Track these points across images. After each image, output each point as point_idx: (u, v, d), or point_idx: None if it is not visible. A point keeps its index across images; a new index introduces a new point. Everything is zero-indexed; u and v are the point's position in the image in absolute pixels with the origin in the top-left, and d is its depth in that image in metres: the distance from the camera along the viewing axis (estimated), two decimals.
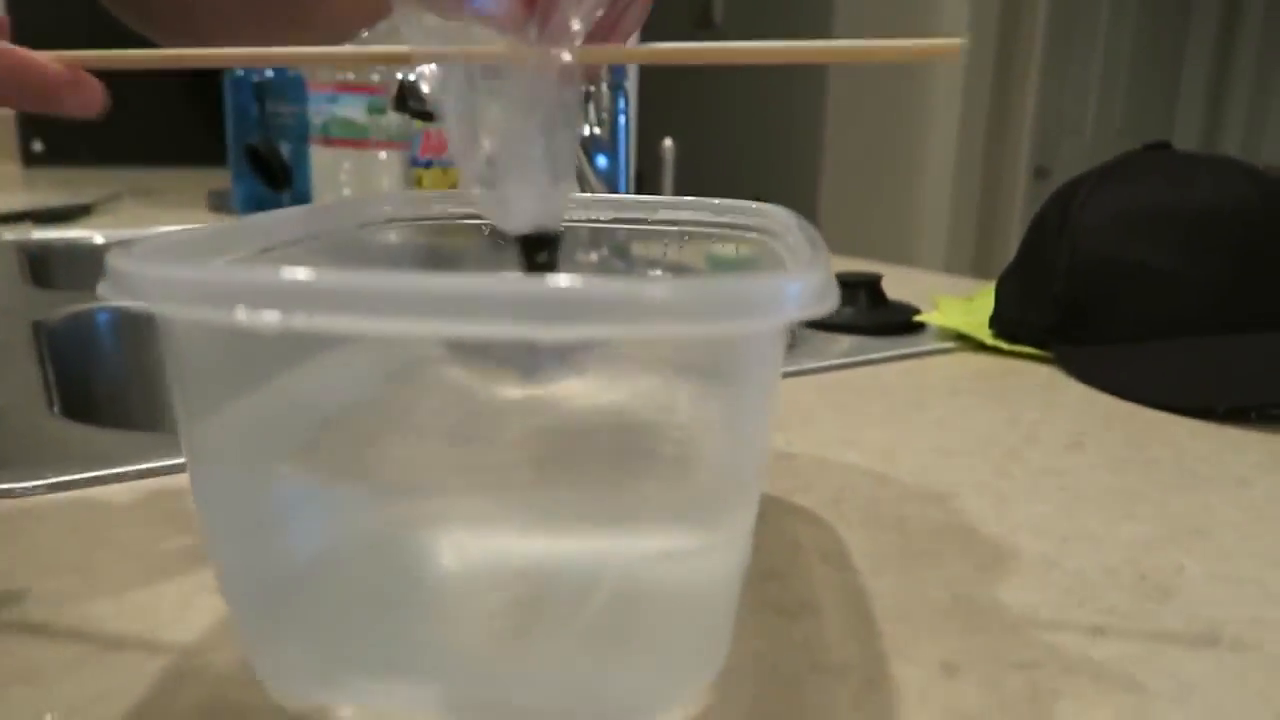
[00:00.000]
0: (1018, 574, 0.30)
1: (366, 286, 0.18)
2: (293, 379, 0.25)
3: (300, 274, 0.18)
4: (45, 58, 0.26)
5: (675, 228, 0.37)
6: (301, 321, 0.18)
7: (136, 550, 0.30)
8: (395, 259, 0.35)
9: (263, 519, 0.24)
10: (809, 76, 2.68)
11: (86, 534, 0.31)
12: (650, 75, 1.21)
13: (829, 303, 0.20)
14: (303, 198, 1.17)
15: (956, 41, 0.22)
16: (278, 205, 1.15)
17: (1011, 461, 0.40)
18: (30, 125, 2.11)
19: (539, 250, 0.27)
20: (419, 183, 1.20)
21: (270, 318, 0.18)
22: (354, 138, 1.25)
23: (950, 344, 0.59)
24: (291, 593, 0.24)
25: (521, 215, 0.27)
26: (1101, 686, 0.24)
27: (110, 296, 0.19)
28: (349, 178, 1.26)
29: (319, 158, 1.22)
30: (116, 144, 2.12)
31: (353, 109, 1.22)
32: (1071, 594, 0.29)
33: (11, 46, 0.26)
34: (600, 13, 0.27)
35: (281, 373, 0.24)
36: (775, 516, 0.33)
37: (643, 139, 1.13)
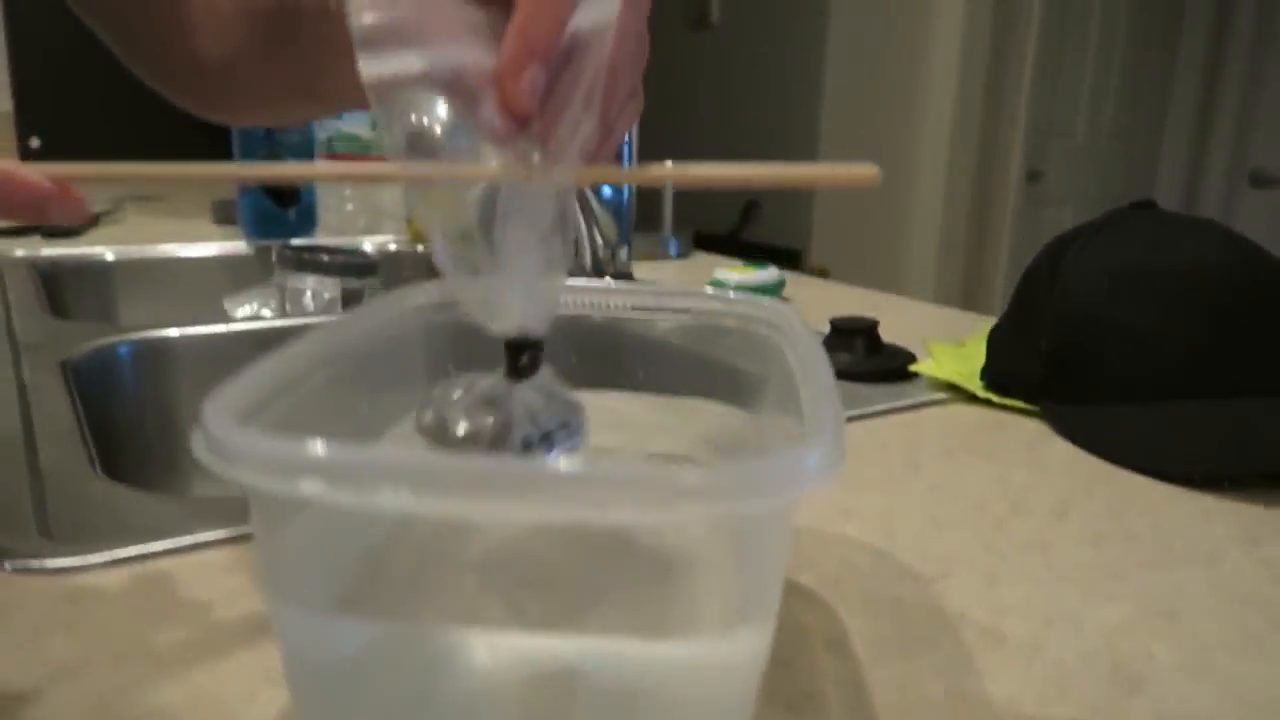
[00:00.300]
0: (1004, 663, 0.33)
1: (434, 469, 0.20)
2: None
3: (378, 455, 0.20)
4: (34, 173, 0.28)
5: (689, 316, 0.40)
6: (357, 498, 0.21)
7: (198, 631, 0.32)
8: (435, 357, 0.38)
9: (319, 625, 0.26)
10: (804, 81, 2.70)
11: (148, 614, 0.33)
12: (647, 94, 1.23)
13: (839, 465, 0.22)
14: (308, 212, 1.19)
15: (873, 170, 0.25)
16: (283, 221, 1.17)
17: (1000, 534, 0.43)
18: (28, 122, 2.12)
19: (522, 353, 0.29)
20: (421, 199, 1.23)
21: (350, 497, 0.20)
22: (359, 153, 1.27)
23: (943, 395, 0.62)
24: (340, 692, 0.26)
25: (507, 319, 0.30)
26: None
27: (206, 461, 0.22)
28: (354, 193, 1.28)
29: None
30: (114, 142, 2.12)
31: (358, 124, 1.24)
32: (1051, 684, 0.31)
33: (4, 164, 0.28)
34: (594, 124, 0.28)
35: None
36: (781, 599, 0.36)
37: (643, 155, 1.15)
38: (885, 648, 0.33)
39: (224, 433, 0.22)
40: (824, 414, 0.24)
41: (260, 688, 0.29)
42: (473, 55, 0.27)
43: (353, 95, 0.48)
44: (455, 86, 0.28)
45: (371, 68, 0.28)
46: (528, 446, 0.29)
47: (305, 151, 1.15)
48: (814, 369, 0.29)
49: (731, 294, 0.39)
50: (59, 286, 1.01)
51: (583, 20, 0.27)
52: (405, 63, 0.27)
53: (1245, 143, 3.36)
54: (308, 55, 0.44)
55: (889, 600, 0.37)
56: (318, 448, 0.20)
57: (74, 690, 0.29)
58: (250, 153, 1.11)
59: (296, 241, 1.16)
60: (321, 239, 1.20)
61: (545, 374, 0.30)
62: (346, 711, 0.26)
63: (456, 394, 0.30)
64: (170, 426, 0.72)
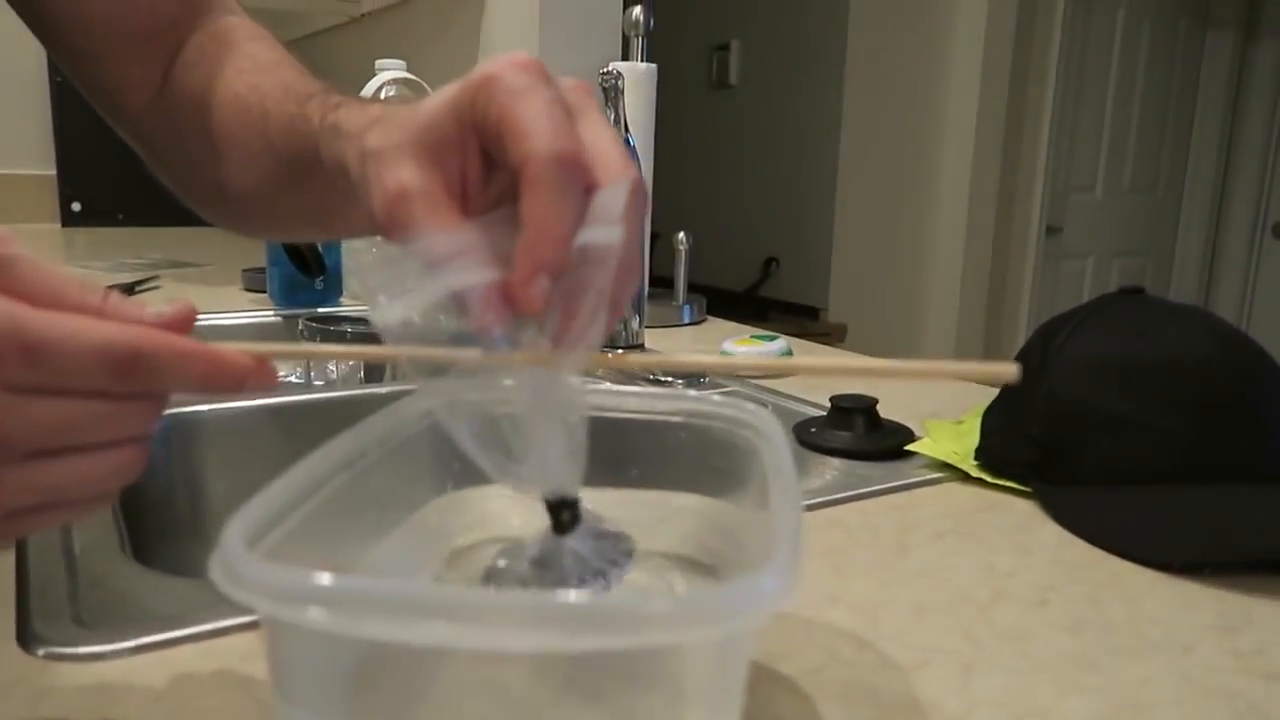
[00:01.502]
0: None
1: (412, 598, 0.23)
2: None
3: (367, 586, 0.23)
4: (234, 352, 0.31)
5: (679, 418, 0.43)
6: (349, 626, 0.23)
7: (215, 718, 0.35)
8: (442, 457, 0.40)
9: None
10: (821, 138, 2.75)
11: (170, 703, 0.36)
12: (671, 151, 1.27)
13: (795, 591, 0.25)
14: (333, 281, 1.24)
15: (1013, 367, 0.27)
16: (310, 289, 1.22)
17: (981, 622, 0.44)
18: (70, 187, 2.20)
19: (562, 510, 0.32)
20: None
21: (334, 623, 0.23)
22: None
23: (938, 474, 0.64)
24: None
25: (543, 486, 0.32)
26: None
27: (220, 585, 0.25)
28: None
29: (350, 241, 1.29)
30: (150, 206, 2.20)
31: None
32: None
33: (206, 346, 0.30)
34: (604, 320, 0.31)
35: None
36: (761, 687, 0.38)
37: (666, 209, 1.19)
38: None
39: (237, 560, 0.24)
40: (783, 540, 0.27)
41: None
42: (474, 276, 0.30)
43: (362, 231, 0.52)
44: (460, 305, 0.31)
45: (384, 316, 0.31)
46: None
47: None
48: (783, 481, 0.32)
49: (716, 396, 0.41)
50: None
51: (591, 237, 0.30)
52: (412, 304, 0.30)
53: (1267, 195, 3.37)
54: (322, 198, 0.47)
55: (867, 690, 0.38)
56: (317, 579, 0.23)
57: None
58: None
59: (321, 310, 1.20)
60: (346, 306, 1.24)
61: (589, 515, 0.33)
62: None
63: (503, 563, 0.32)
64: (199, 503, 0.75)
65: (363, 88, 1.26)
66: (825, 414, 0.72)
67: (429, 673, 0.29)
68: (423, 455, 0.40)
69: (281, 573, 0.24)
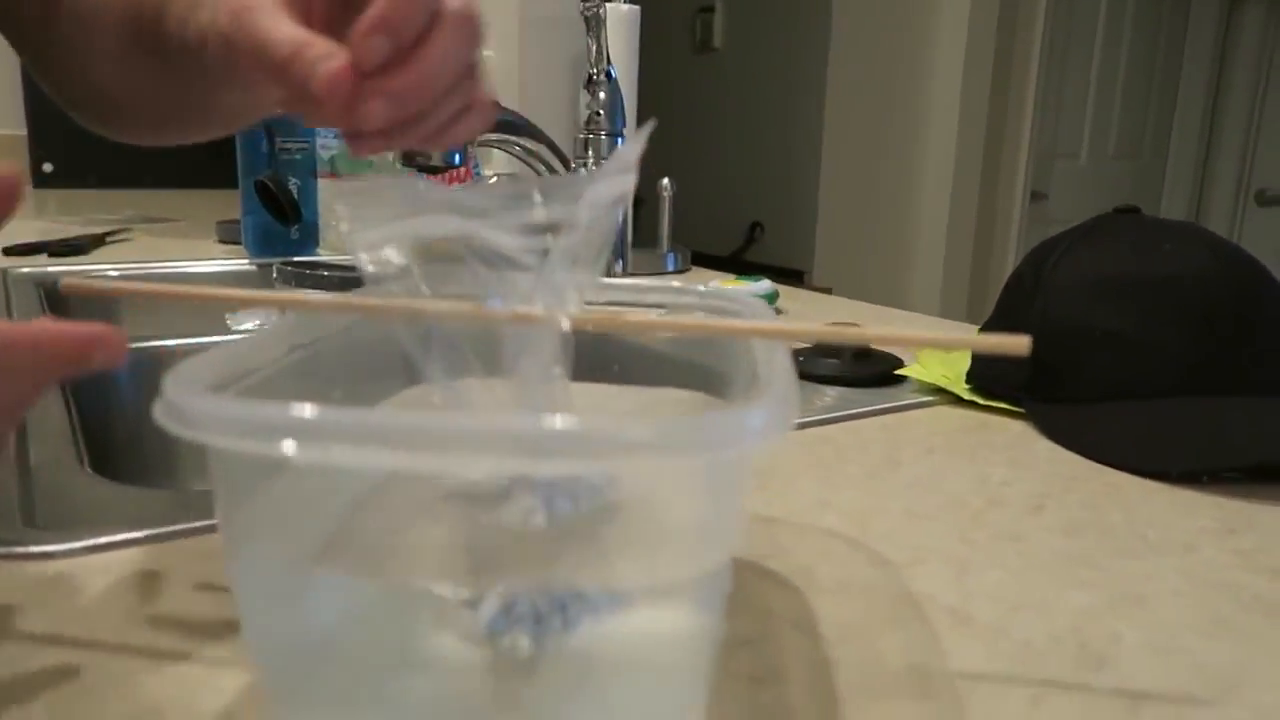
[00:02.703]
0: (970, 643, 0.33)
1: (385, 425, 0.21)
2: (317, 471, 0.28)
3: (331, 413, 0.21)
4: (68, 325, 0.26)
5: (664, 310, 0.41)
6: (323, 455, 0.21)
7: (170, 617, 0.33)
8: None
9: (287, 597, 0.27)
10: (806, 103, 2.72)
11: (123, 600, 0.34)
12: (655, 113, 1.24)
13: (787, 427, 0.23)
14: (309, 230, 1.21)
15: (1024, 341, 0.25)
16: (286, 238, 1.19)
17: (975, 526, 0.43)
18: (42, 147, 2.15)
19: None
20: None
21: (306, 453, 0.21)
22: (360, 173, 1.29)
23: (930, 397, 0.62)
24: (308, 664, 0.27)
25: None
26: None
27: (164, 424, 0.23)
28: None
29: (326, 191, 1.26)
30: (125, 167, 2.16)
31: None
32: (1016, 662, 0.32)
33: (37, 327, 0.25)
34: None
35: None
36: (749, 582, 0.37)
37: (649, 173, 1.17)
38: (852, 628, 0.33)
39: (186, 398, 0.22)
40: (775, 379, 0.25)
41: (225, 669, 0.30)
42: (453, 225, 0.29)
43: (244, 116, 0.50)
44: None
45: (357, 240, 0.30)
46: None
47: (307, 167, 1.17)
48: (774, 350, 0.30)
49: (702, 286, 0.39)
50: (64, 304, 1.02)
51: (602, 191, 0.29)
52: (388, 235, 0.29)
53: (1251, 162, 3.37)
54: (189, 84, 0.45)
55: (860, 585, 0.37)
56: (281, 408, 0.21)
57: (41, 661, 0.30)
58: (253, 169, 1.13)
59: (297, 258, 1.17)
60: (322, 256, 1.21)
61: None
62: (312, 681, 0.27)
63: None
64: (167, 437, 0.73)
65: None
66: (812, 343, 0.70)
67: (403, 528, 0.27)
68: (396, 341, 0.38)
69: (246, 406, 0.22)
